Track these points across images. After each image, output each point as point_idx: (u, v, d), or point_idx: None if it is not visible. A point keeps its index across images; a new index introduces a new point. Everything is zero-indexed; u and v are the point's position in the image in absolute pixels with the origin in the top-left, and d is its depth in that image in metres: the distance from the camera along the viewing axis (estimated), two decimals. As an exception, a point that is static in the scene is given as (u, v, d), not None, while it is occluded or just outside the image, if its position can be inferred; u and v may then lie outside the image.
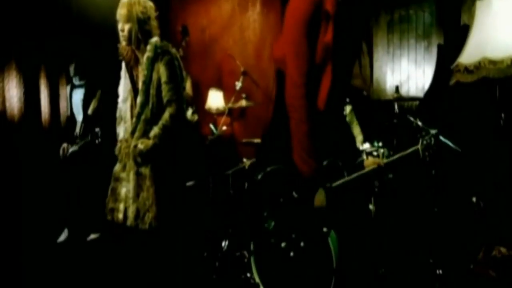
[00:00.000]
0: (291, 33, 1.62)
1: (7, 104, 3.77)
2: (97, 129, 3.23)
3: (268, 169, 1.81)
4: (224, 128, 3.58)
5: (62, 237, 3.71)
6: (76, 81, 3.91)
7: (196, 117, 3.63)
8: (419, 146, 2.06)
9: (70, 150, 3.70)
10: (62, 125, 4.10)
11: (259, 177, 1.82)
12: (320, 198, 1.71)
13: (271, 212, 1.76)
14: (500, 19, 2.86)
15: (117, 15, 2.50)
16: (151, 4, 2.55)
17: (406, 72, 3.98)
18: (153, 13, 2.55)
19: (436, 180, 2.44)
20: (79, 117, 3.86)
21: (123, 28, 2.49)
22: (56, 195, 3.73)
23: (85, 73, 3.85)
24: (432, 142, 2.08)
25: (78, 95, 3.87)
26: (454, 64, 3.11)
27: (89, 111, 3.64)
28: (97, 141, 3.27)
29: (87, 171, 3.54)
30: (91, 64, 3.84)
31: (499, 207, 2.75)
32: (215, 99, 4.38)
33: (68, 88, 3.96)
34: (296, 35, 1.60)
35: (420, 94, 3.88)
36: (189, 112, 3.36)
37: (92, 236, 3.84)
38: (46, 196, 3.73)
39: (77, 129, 3.83)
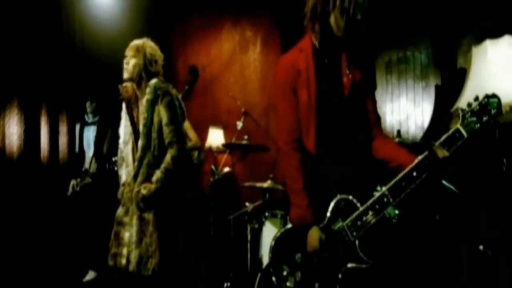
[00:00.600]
0: (276, 99, 1.92)
1: (7, 142, 3.76)
2: (114, 158, 3.22)
3: (283, 230, 1.79)
4: (226, 169, 3.56)
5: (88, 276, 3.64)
6: (89, 119, 3.93)
7: (203, 156, 3.58)
8: (458, 125, 1.39)
9: (83, 183, 3.67)
10: (60, 162, 4.08)
11: (278, 234, 1.78)
12: (313, 239, 1.66)
13: (292, 270, 1.74)
14: (495, 67, 2.92)
15: (126, 52, 2.54)
16: (160, 53, 2.61)
17: (405, 111, 4.02)
18: (160, 60, 2.60)
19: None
20: (90, 153, 3.86)
21: (129, 61, 2.53)
22: (58, 232, 3.68)
23: (98, 110, 3.89)
24: (493, 105, 1.29)
25: (90, 132, 3.89)
26: (453, 108, 3.15)
27: (104, 151, 3.66)
28: (116, 169, 3.28)
29: (101, 203, 3.52)
30: (102, 102, 3.88)
31: (508, 256, 2.68)
32: (215, 137, 4.39)
33: (78, 125, 3.98)
34: (279, 100, 1.88)
35: (420, 132, 3.91)
36: (195, 156, 3.33)
37: (89, 276, 3.76)
38: (45, 234, 3.67)
39: (87, 165, 3.82)
